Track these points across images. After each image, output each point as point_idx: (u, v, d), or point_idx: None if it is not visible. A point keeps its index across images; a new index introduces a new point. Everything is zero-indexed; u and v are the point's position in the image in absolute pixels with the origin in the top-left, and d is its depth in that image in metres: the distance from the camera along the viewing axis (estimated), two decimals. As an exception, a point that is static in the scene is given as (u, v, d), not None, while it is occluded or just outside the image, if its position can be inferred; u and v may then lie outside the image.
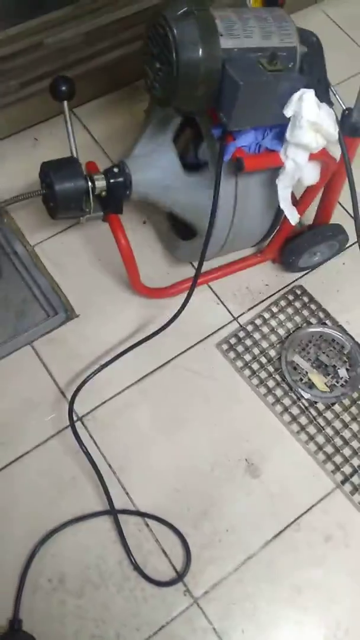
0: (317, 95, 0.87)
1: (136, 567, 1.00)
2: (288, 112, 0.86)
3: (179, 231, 1.22)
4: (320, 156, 0.95)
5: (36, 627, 0.95)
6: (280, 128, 0.92)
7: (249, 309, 1.26)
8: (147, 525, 1.03)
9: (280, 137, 0.93)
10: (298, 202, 1.11)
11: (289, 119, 0.88)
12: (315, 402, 1.15)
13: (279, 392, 1.16)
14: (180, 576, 1.00)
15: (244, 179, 1.00)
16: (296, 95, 0.85)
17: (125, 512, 1.03)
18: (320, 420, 1.14)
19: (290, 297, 1.27)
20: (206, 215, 1.00)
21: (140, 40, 1.32)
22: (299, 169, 0.94)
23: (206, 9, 0.83)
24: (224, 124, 0.87)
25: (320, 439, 1.12)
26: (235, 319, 1.24)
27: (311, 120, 0.85)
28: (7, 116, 1.30)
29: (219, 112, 0.87)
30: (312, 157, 0.94)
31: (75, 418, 1.10)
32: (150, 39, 0.86)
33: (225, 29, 0.83)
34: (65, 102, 1.04)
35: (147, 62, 0.89)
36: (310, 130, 0.87)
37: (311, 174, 0.98)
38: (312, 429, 1.13)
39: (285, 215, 1.02)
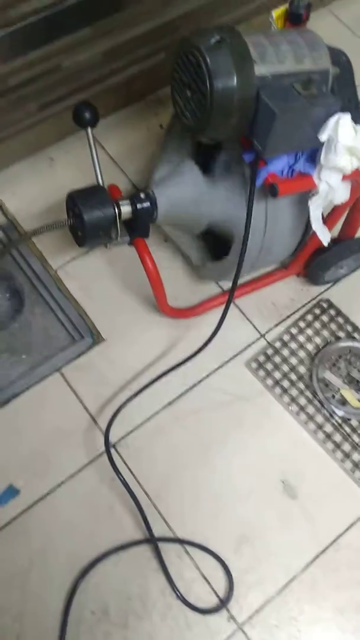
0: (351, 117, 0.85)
1: (179, 596, 0.99)
2: (323, 136, 0.85)
3: (207, 252, 1.21)
4: (352, 176, 0.94)
5: (83, 661, 0.94)
6: (312, 150, 0.91)
7: (276, 325, 1.25)
8: (187, 552, 1.03)
9: (313, 160, 0.91)
10: (326, 220, 1.09)
11: (323, 142, 0.87)
12: (349, 419, 1.14)
13: (311, 410, 1.15)
14: (223, 603, 1.00)
15: (274, 200, 0.99)
16: (332, 120, 0.83)
17: (164, 539, 1.03)
18: (355, 437, 1.13)
19: (317, 311, 1.26)
20: (238, 219, 0.98)
21: (155, 56, 1.32)
22: (332, 190, 0.93)
23: (239, 36, 0.81)
24: (259, 152, 0.85)
25: (355, 456, 1.11)
26: (262, 335, 1.23)
27: (348, 145, 0.84)
28: (24, 139, 1.28)
29: (253, 140, 0.86)
30: (345, 177, 0.93)
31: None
32: (180, 67, 0.85)
33: (258, 56, 0.82)
34: (89, 129, 1.02)
35: (177, 89, 0.88)
36: (346, 154, 0.86)
37: (343, 194, 0.97)
38: (347, 447, 1.12)
39: (313, 231, 1.01)
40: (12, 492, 1.06)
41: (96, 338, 1.21)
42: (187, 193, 1.04)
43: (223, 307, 1.22)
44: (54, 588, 0.99)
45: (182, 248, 1.26)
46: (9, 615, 0.97)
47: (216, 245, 1.18)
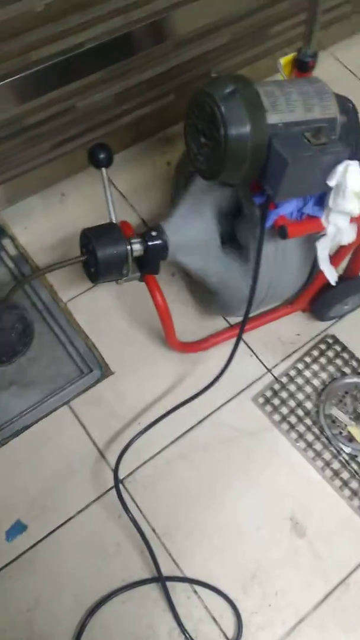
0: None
1: (187, 637, 0.98)
2: (332, 182, 0.87)
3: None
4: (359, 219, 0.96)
5: None
6: (320, 194, 0.93)
7: (282, 360, 1.26)
8: (196, 591, 1.02)
9: (321, 203, 0.94)
10: (332, 259, 1.11)
11: (331, 187, 0.89)
12: (356, 456, 1.15)
13: (318, 446, 1.16)
14: (232, 644, 0.99)
15: (282, 242, 1.01)
16: (341, 167, 0.86)
17: (173, 579, 1.02)
18: (362, 475, 1.13)
19: (323, 347, 1.27)
20: (235, 289, 1.02)
21: (164, 98, 1.36)
22: (339, 232, 0.95)
23: (251, 85, 0.84)
24: (270, 196, 0.88)
25: (363, 494, 1.12)
26: (269, 370, 1.24)
27: (356, 190, 0.86)
28: (37, 175, 1.31)
29: (264, 185, 0.88)
30: (352, 220, 0.95)
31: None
32: (195, 114, 0.88)
33: (270, 105, 0.84)
34: (104, 170, 1.05)
35: (191, 135, 0.90)
36: (354, 198, 0.88)
37: (350, 235, 0.99)
38: (354, 484, 1.12)
39: (319, 269, 1.03)
40: (19, 527, 1.05)
41: (105, 371, 1.22)
42: (196, 242, 1.06)
43: (230, 341, 1.24)
44: (61, 628, 0.98)
45: (191, 282, 1.28)
46: (15, 655, 0.96)
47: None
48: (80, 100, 1.19)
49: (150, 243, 1.03)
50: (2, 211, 1.36)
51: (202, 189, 1.04)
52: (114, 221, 1.05)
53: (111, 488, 1.08)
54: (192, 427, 1.17)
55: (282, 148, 0.83)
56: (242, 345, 1.27)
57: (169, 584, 1.02)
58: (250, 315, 1.27)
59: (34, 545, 1.04)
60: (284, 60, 1.07)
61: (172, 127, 1.48)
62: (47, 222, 1.37)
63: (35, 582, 1.01)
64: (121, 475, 1.11)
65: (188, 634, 0.98)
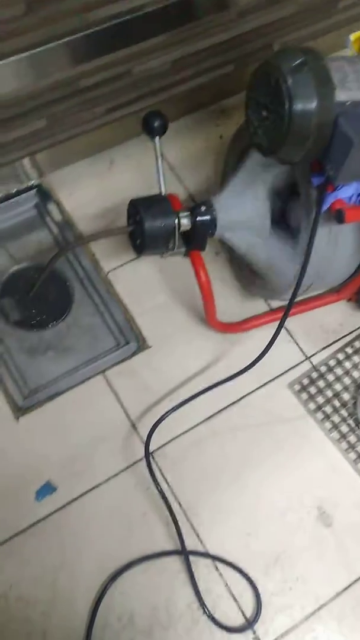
0: None
1: (206, 611, 0.99)
2: None
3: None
4: None
5: (106, 666, 0.95)
6: (382, 179, 0.90)
7: (323, 349, 1.23)
8: (217, 568, 1.03)
9: (382, 188, 0.90)
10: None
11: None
12: (390, 451, 1.13)
13: (352, 439, 1.14)
14: (250, 623, 0.99)
15: (336, 227, 0.98)
16: None
17: (196, 553, 1.03)
18: (395, 470, 1.11)
19: (365, 338, 1.24)
20: (282, 272, 0.99)
21: (223, 68, 1.32)
22: None
23: (322, 59, 0.80)
24: (331, 177, 0.85)
25: (394, 489, 1.10)
26: (307, 358, 1.22)
27: None
28: (87, 139, 1.29)
29: (326, 165, 0.85)
30: None
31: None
32: (258, 86, 0.84)
33: (339, 81, 0.81)
34: (157, 138, 1.03)
35: (252, 108, 0.87)
36: None
37: None
38: (385, 479, 1.11)
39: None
40: (49, 488, 1.07)
41: (141, 344, 1.22)
42: (246, 221, 1.04)
43: (270, 325, 1.22)
44: (83, 589, 1.00)
45: (235, 262, 1.26)
46: (38, 610, 0.99)
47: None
48: (137, 66, 1.17)
49: (198, 218, 1.01)
50: (49, 175, 1.36)
51: (257, 166, 1.01)
52: (163, 193, 1.03)
53: (141, 459, 1.09)
54: (225, 408, 1.16)
55: (348, 127, 0.79)
56: (282, 330, 1.25)
57: (191, 558, 1.02)
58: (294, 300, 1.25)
59: (62, 507, 1.06)
60: (354, 36, 1.02)
61: (228, 99, 1.44)
62: (93, 189, 1.36)
63: (61, 543, 1.03)
64: (151, 448, 1.11)
65: (207, 608, 0.99)
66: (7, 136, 1.18)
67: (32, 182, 1.35)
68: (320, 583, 1.03)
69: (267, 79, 0.82)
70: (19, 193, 1.34)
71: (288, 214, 1.08)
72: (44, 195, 1.35)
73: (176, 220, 0.99)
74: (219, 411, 1.16)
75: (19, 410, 1.14)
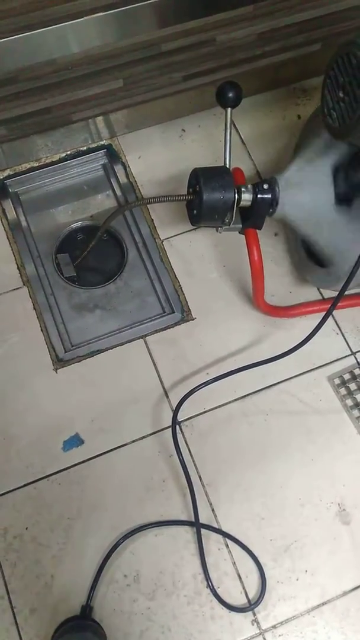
0: None
1: (210, 585, 1.00)
2: None
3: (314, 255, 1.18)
4: None
5: (105, 617, 0.98)
6: None
7: (370, 346, 1.20)
8: (227, 546, 1.03)
9: None
10: None
11: None
12: None
13: (385, 441, 1.11)
14: (251, 605, 1.00)
15: None
16: None
17: (208, 527, 1.04)
18: None
19: None
20: (344, 258, 0.96)
21: (310, 46, 1.27)
22: None
23: None
24: None
25: None
26: (353, 353, 1.19)
27: None
28: (162, 105, 1.29)
29: None
30: None
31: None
32: (339, 66, 0.81)
33: None
34: (229, 109, 1.01)
35: (329, 88, 0.84)
36: None
37: None
38: None
39: None
40: (77, 440, 1.10)
41: (185, 315, 1.22)
42: (310, 201, 1.01)
43: (318, 314, 1.19)
44: (95, 542, 1.03)
45: (292, 246, 1.23)
46: (49, 554, 1.03)
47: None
48: (221, 34, 1.14)
49: (260, 195, 0.99)
50: (120, 137, 1.36)
51: (325, 146, 0.98)
52: (228, 166, 1.02)
53: (168, 427, 1.10)
54: (259, 390, 1.15)
55: None
56: (330, 321, 1.22)
57: (203, 531, 1.03)
58: (348, 292, 1.21)
59: (86, 460, 1.09)
60: None
61: (312, 78, 1.39)
62: (162, 155, 1.35)
63: (80, 495, 1.06)
64: (180, 418, 1.12)
65: (211, 582, 1.00)
66: (84, 93, 1.19)
67: (103, 141, 1.36)
68: (328, 579, 1.02)
69: (348, 58, 0.79)
70: (89, 151, 1.36)
71: (354, 198, 1.04)
72: (113, 156, 1.36)
73: (236, 195, 0.98)
74: (254, 392, 1.15)
75: (59, 362, 1.17)
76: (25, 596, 1.00)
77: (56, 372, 1.15)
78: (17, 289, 1.21)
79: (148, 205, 1.30)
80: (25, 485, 1.07)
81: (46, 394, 1.14)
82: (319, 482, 1.08)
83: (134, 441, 1.11)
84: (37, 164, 1.32)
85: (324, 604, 1.00)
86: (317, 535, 1.04)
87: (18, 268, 1.24)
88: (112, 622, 0.98)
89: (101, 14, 1.01)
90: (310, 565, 1.02)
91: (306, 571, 1.02)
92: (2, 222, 1.28)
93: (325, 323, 1.14)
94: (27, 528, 1.04)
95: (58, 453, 1.09)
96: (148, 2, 1.03)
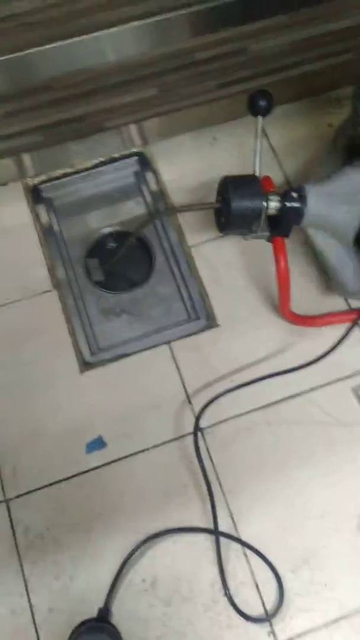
0: None
1: (227, 594, 1.00)
2: None
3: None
4: None
5: (121, 621, 0.98)
6: None
7: None
8: (246, 555, 1.03)
9: None
10: None
11: None
12: None
13: None
14: (268, 616, 0.99)
15: None
16: None
17: (228, 536, 1.03)
18: None
19: None
20: (342, 283, 0.95)
21: (344, 55, 1.27)
22: None
23: None
24: None
25: None
26: (379, 365, 1.17)
27: None
28: (195, 113, 1.30)
29: None
30: None
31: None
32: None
33: None
34: (260, 118, 1.01)
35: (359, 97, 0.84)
36: None
37: None
38: None
39: None
40: (100, 443, 1.11)
41: (210, 322, 1.22)
42: (338, 212, 1.00)
43: (346, 325, 1.18)
44: (114, 545, 1.04)
45: (327, 259, 1.22)
46: (68, 555, 1.04)
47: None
48: (254, 44, 1.15)
49: (288, 204, 0.99)
50: (152, 144, 1.38)
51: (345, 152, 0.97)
52: (257, 174, 1.02)
53: (190, 433, 1.10)
54: (283, 399, 1.14)
55: None
56: (356, 331, 1.20)
57: (222, 540, 1.03)
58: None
59: (108, 463, 1.10)
60: None
61: (345, 87, 1.39)
62: (192, 163, 1.36)
63: (101, 497, 1.07)
64: (202, 425, 1.12)
65: (229, 591, 1.00)
66: (118, 100, 1.21)
67: (135, 148, 1.38)
68: (348, 593, 1.00)
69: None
70: (121, 158, 1.38)
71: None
72: (145, 163, 1.37)
73: (264, 203, 0.98)
74: (278, 401, 1.14)
75: (85, 365, 1.18)
76: (43, 595, 1.01)
77: (82, 375, 1.17)
78: (47, 292, 1.24)
79: (178, 213, 1.31)
80: (47, 486, 1.08)
81: (71, 396, 1.15)
82: (341, 494, 1.06)
83: (155, 446, 1.11)
84: (71, 170, 1.35)
85: (342, 618, 0.99)
86: (337, 548, 1.03)
87: (49, 271, 1.26)
88: (129, 626, 0.98)
89: (137, 22, 1.03)
90: (330, 578, 1.01)
91: (325, 584, 1.01)
92: (35, 226, 1.30)
93: (352, 333, 1.14)
94: (48, 528, 1.05)
95: (81, 455, 1.10)
96: (183, 11, 1.04)
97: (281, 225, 1.03)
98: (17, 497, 1.08)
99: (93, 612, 0.98)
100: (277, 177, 1.32)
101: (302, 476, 1.08)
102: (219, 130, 1.39)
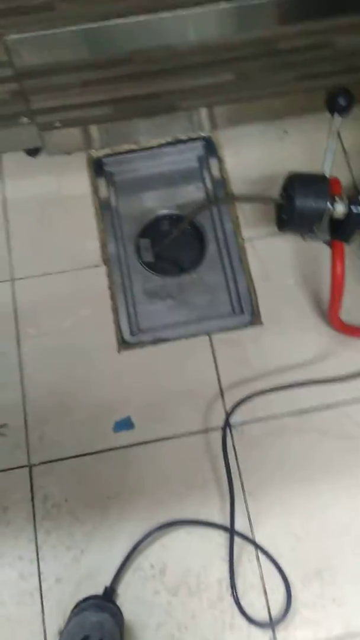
0: None
1: (234, 594, 0.99)
2: None
3: None
4: None
5: (126, 603, 0.99)
6: None
7: None
8: (258, 559, 1.02)
9: None
10: None
11: None
12: None
13: None
14: (272, 622, 0.97)
15: None
16: None
17: (243, 536, 1.02)
18: None
19: None
20: None
21: None
22: None
23: None
24: None
25: None
26: None
27: None
28: (268, 104, 1.26)
29: None
30: None
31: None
32: None
33: None
34: (338, 117, 0.98)
35: None
36: None
37: None
38: None
39: None
40: (128, 424, 1.11)
41: (254, 319, 1.20)
42: None
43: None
44: (128, 527, 1.04)
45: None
46: (83, 528, 1.04)
47: None
48: (341, 38, 1.10)
49: (354, 210, 0.96)
50: (221, 131, 1.35)
51: None
52: (327, 174, 0.99)
53: (219, 428, 1.09)
54: (317, 408, 1.12)
55: None
56: None
57: (237, 539, 1.02)
58: None
59: (134, 445, 1.10)
60: None
61: None
62: (258, 154, 1.33)
63: (122, 477, 1.07)
64: (232, 421, 1.10)
65: (236, 591, 0.99)
66: (193, 82, 1.18)
67: (203, 133, 1.35)
68: (356, 614, 0.98)
69: None
70: (186, 141, 1.35)
71: None
72: (210, 148, 1.35)
73: (330, 205, 0.95)
74: (312, 409, 1.12)
75: (124, 344, 1.18)
76: (53, 565, 1.02)
77: (119, 354, 1.17)
78: (97, 266, 1.24)
79: (236, 204, 1.29)
80: (72, 457, 1.09)
81: (106, 372, 1.15)
82: (364, 514, 1.04)
83: (182, 435, 1.10)
84: (136, 147, 1.34)
85: (347, 635, 0.97)
86: (352, 567, 1.00)
87: (100, 246, 1.26)
88: (132, 609, 0.99)
89: (224, 4, 1.00)
90: (340, 595, 0.99)
91: (334, 600, 0.99)
92: (93, 198, 1.30)
93: None
94: (66, 500, 1.06)
95: (108, 433, 1.11)
96: (273, -3, 1.01)
97: (343, 230, 1.00)
98: (41, 464, 1.09)
99: (99, 590, 0.99)
100: (345, 180, 1.28)
101: (328, 489, 1.06)
102: (291, 124, 1.35)
